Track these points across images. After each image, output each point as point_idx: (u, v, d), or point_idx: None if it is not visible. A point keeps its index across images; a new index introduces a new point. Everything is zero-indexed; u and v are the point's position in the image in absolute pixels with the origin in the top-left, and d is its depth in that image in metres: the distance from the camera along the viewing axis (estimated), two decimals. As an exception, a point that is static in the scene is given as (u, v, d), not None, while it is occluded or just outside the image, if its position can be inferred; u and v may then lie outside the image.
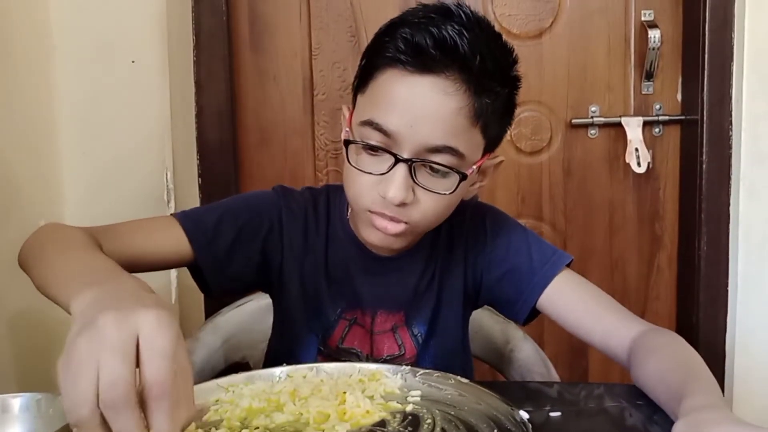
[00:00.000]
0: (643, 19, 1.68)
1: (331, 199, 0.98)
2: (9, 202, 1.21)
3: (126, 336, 0.50)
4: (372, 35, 0.86)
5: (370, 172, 0.82)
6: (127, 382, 0.48)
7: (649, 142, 1.72)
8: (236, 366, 1.11)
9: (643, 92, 1.71)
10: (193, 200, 1.58)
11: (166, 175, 1.43)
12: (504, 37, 0.85)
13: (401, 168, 0.80)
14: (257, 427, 0.70)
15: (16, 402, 0.69)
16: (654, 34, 1.64)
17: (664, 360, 0.80)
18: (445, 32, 0.78)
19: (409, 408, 0.75)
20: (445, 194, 0.83)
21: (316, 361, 0.95)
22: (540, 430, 0.72)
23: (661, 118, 1.71)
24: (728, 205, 1.63)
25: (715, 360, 1.64)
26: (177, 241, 0.89)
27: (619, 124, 1.70)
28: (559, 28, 1.69)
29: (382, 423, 0.72)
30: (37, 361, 1.26)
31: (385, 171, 0.81)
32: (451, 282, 0.97)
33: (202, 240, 0.89)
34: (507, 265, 0.95)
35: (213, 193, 1.60)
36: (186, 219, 0.91)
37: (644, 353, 0.83)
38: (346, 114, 0.88)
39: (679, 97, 1.72)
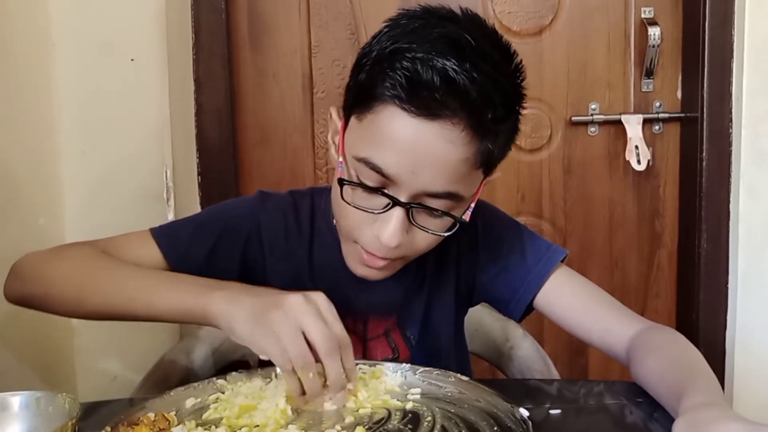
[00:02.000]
0: (643, 16, 1.68)
1: (315, 203, 0.94)
2: (8, 201, 1.21)
3: (315, 308, 0.71)
4: (371, 34, 0.80)
5: (367, 209, 0.78)
6: (334, 336, 0.71)
7: (649, 140, 1.72)
8: (236, 364, 1.11)
9: (643, 90, 1.71)
10: (192, 199, 1.58)
11: (166, 173, 1.43)
12: (512, 48, 0.80)
13: (398, 211, 0.76)
14: (257, 425, 0.71)
15: (16, 400, 0.69)
16: (654, 32, 1.64)
17: (664, 358, 0.80)
18: (454, 74, 0.71)
19: (409, 405, 0.75)
20: (441, 234, 0.79)
21: None
22: (540, 427, 0.72)
23: (661, 115, 1.71)
24: (728, 202, 1.63)
25: (715, 358, 1.64)
26: (152, 257, 0.88)
27: (619, 122, 1.70)
28: (559, 26, 1.69)
29: (383, 420, 0.72)
30: (36, 360, 1.26)
31: (380, 210, 0.77)
32: (443, 282, 0.95)
33: (175, 255, 0.88)
34: (501, 263, 0.93)
35: (213, 192, 1.60)
36: (161, 235, 0.89)
37: (644, 351, 0.83)
38: (335, 119, 0.83)
39: (679, 94, 1.72)
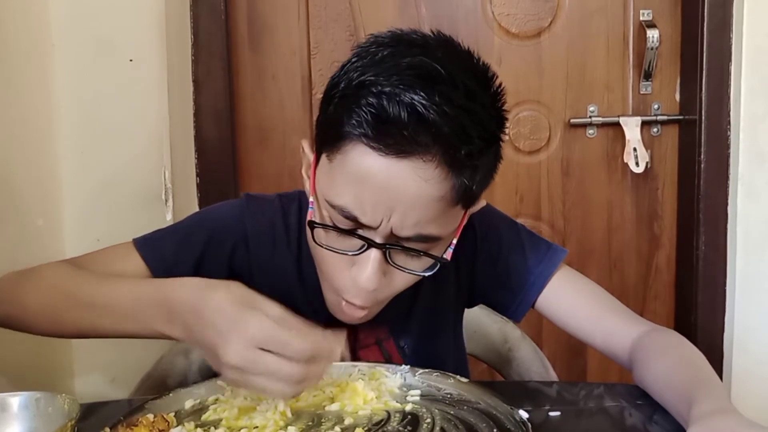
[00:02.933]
0: (641, 18, 1.68)
1: (303, 208, 0.89)
2: (6, 202, 1.21)
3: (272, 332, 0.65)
4: (370, 34, 0.77)
5: (341, 252, 0.74)
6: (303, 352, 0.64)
7: (648, 142, 1.72)
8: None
9: (641, 92, 1.71)
10: (191, 199, 1.58)
11: (164, 173, 1.42)
12: (489, 65, 0.74)
13: (374, 253, 0.72)
14: (256, 426, 0.70)
15: (15, 401, 0.69)
16: (652, 34, 1.64)
17: (669, 362, 0.79)
18: (423, 108, 0.66)
19: (408, 407, 0.75)
20: (421, 274, 0.76)
21: None
22: (539, 429, 0.72)
23: (659, 118, 1.71)
24: (726, 204, 1.64)
25: (713, 359, 1.63)
26: (137, 270, 0.84)
27: (618, 124, 1.70)
28: (557, 28, 1.69)
29: (382, 422, 0.72)
30: (35, 361, 1.26)
31: (356, 252, 0.73)
32: (440, 290, 0.92)
33: (161, 268, 0.84)
34: (500, 267, 0.91)
35: (211, 192, 1.59)
36: (145, 247, 0.86)
37: (648, 355, 0.82)
38: (308, 152, 0.79)
39: (677, 97, 1.72)
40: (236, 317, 0.64)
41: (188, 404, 0.75)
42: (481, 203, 0.81)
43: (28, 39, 1.29)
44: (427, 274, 0.76)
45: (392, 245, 0.73)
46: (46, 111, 1.33)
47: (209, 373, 1.06)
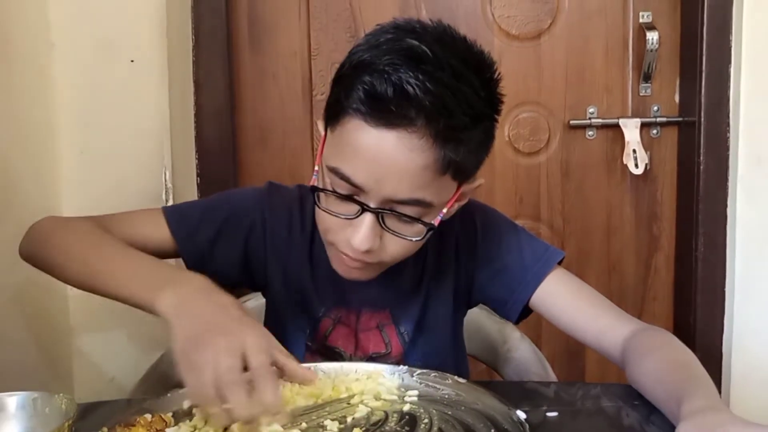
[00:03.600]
0: (641, 20, 1.68)
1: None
2: (7, 201, 1.21)
3: (235, 346, 0.68)
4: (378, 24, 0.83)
5: (339, 215, 0.81)
6: (239, 369, 0.67)
7: (647, 144, 1.72)
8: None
9: (640, 94, 1.71)
10: (191, 199, 1.57)
11: (165, 174, 1.43)
12: (487, 53, 0.81)
13: (368, 217, 0.79)
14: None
15: (13, 401, 0.69)
16: (652, 36, 1.64)
17: (659, 360, 0.81)
18: (408, 85, 0.73)
19: (406, 407, 0.75)
20: (413, 240, 0.81)
21: (304, 356, 0.96)
22: (537, 430, 0.72)
23: (658, 119, 1.71)
24: (725, 206, 1.64)
25: (712, 361, 1.64)
26: (161, 234, 0.92)
27: (617, 126, 1.70)
28: (557, 30, 1.70)
29: (380, 422, 0.72)
30: (33, 360, 1.26)
31: (353, 216, 0.80)
32: (441, 282, 0.96)
33: (183, 234, 0.93)
34: (499, 264, 0.95)
35: (211, 193, 1.58)
36: (171, 212, 0.94)
37: (639, 353, 0.83)
38: (321, 130, 0.86)
39: (676, 98, 1.72)
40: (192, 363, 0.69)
41: (186, 404, 0.75)
42: (478, 181, 0.86)
43: (28, 40, 1.30)
44: (417, 239, 0.82)
45: (385, 210, 0.79)
46: (46, 111, 1.34)
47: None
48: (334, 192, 0.80)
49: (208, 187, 1.60)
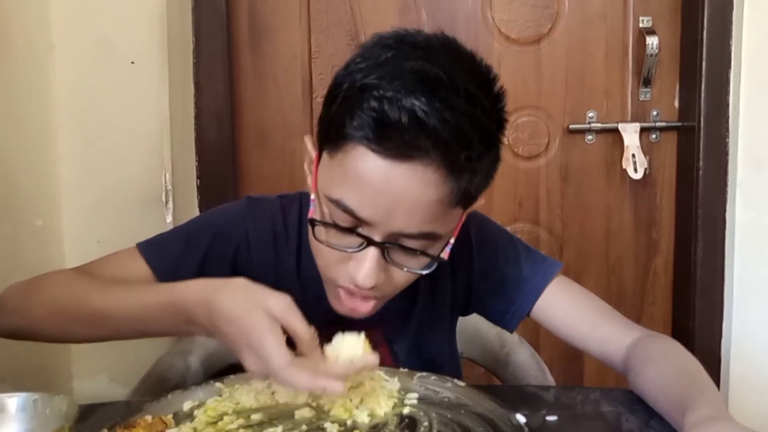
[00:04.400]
0: (641, 25, 1.69)
1: (304, 209, 0.89)
2: (6, 202, 1.21)
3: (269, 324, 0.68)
4: (375, 33, 0.77)
5: (340, 249, 0.75)
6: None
7: (646, 148, 1.72)
8: (233, 367, 1.11)
9: (640, 98, 1.72)
10: (191, 201, 1.58)
11: (165, 175, 1.43)
12: (491, 67, 0.75)
13: (372, 251, 0.73)
14: (263, 422, 0.71)
15: (13, 402, 0.69)
16: (652, 41, 1.65)
17: (663, 368, 0.80)
18: (423, 114, 0.67)
19: (405, 411, 0.75)
20: (419, 272, 0.77)
21: None
22: (536, 433, 0.72)
23: (658, 124, 1.72)
24: (725, 211, 1.64)
25: (711, 366, 1.64)
26: (142, 274, 0.85)
27: (617, 130, 1.71)
28: (557, 34, 1.70)
29: (379, 425, 0.72)
30: (33, 362, 1.26)
31: (355, 249, 0.74)
32: (437, 298, 0.93)
33: (165, 271, 0.85)
34: (496, 276, 0.92)
35: (211, 194, 1.60)
36: (149, 250, 0.87)
37: (643, 361, 0.82)
38: (310, 149, 0.79)
39: (676, 103, 1.72)
40: (242, 328, 0.68)
41: (186, 406, 0.75)
42: (479, 202, 0.81)
43: (29, 41, 1.30)
44: (425, 272, 0.77)
45: (391, 243, 0.74)
46: (46, 112, 1.34)
47: (207, 375, 1.07)
48: (334, 225, 0.74)
49: (207, 189, 1.60)
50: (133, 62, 1.38)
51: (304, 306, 0.85)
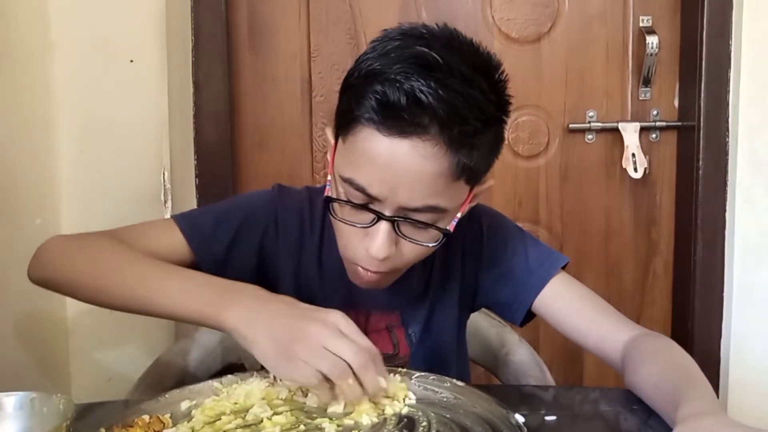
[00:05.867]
0: (641, 25, 1.69)
1: None
2: (5, 200, 1.21)
3: (336, 330, 0.72)
4: (371, 39, 0.82)
5: (355, 224, 0.81)
6: (363, 350, 0.72)
7: (646, 148, 1.72)
8: (231, 367, 1.11)
9: (640, 98, 1.72)
10: (189, 200, 1.58)
11: (164, 174, 1.43)
12: (493, 54, 0.80)
13: (384, 225, 0.79)
14: (261, 421, 0.71)
15: (10, 400, 0.69)
16: (652, 40, 1.65)
17: (658, 365, 0.81)
18: (420, 93, 0.73)
19: (404, 410, 0.75)
20: (428, 245, 0.82)
21: None
22: (535, 433, 0.72)
23: (658, 123, 1.72)
24: (724, 211, 1.64)
25: (710, 366, 1.64)
26: (177, 244, 0.91)
27: (616, 130, 1.70)
28: (557, 33, 1.70)
29: (378, 425, 0.72)
30: (31, 360, 1.26)
31: (368, 224, 0.80)
32: (447, 284, 0.97)
33: (200, 242, 0.91)
34: (504, 267, 0.96)
35: (210, 194, 1.59)
36: (184, 222, 0.92)
37: (638, 358, 0.83)
38: (330, 139, 0.85)
39: (676, 103, 1.72)
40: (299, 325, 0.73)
41: (184, 405, 0.75)
42: (488, 182, 0.85)
43: (28, 39, 1.30)
44: (432, 245, 0.82)
45: (400, 218, 0.79)
46: (45, 111, 1.34)
47: (206, 375, 1.07)
48: (348, 202, 0.80)
49: (206, 188, 1.60)
50: (132, 61, 1.38)
51: (324, 290, 0.95)
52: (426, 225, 0.80)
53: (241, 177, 1.69)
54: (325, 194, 0.83)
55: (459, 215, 0.82)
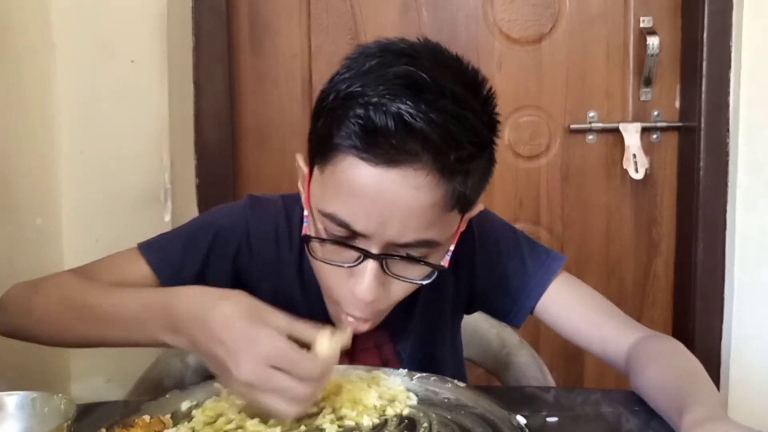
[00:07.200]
0: (642, 25, 1.69)
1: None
2: (6, 201, 1.21)
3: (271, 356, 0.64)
4: (371, 39, 0.77)
5: (337, 264, 0.74)
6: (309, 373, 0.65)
7: (647, 149, 1.72)
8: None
9: (641, 99, 1.71)
10: (190, 201, 1.58)
11: (164, 175, 1.42)
12: (478, 70, 0.74)
13: (371, 264, 0.72)
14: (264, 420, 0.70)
15: (12, 400, 0.69)
16: (653, 41, 1.64)
17: (663, 368, 0.79)
18: (410, 117, 0.66)
19: (405, 411, 0.75)
20: (420, 282, 0.76)
21: None
22: (536, 434, 0.72)
23: (659, 124, 1.71)
24: (725, 212, 1.64)
25: (711, 367, 1.64)
26: (143, 275, 0.84)
27: (617, 130, 1.70)
28: (558, 34, 1.70)
29: (379, 426, 0.72)
30: (32, 361, 1.26)
31: (352, 263, 0.73)
32: (438, 295, 0.92)
33: (167, 272, 0.85)
34: (499, 270, 0.91)
35: (210, 194, 1.59)
36: (150, 251, 0.86)
37: (643, 361, 0.82)
38: (302, 166, 0.78)
39: (677, 104, 1.72)
40: (246, 334, 0.65)
41: (184, 406, 0.75)
42: (478, 207, 0.80)
43: (29, 40, 1.30)
44: (425, 282, 0.76)
45: (388, 255, 0.72)
46: (46, 111, 1.34)
47: (205, 375, 1.07)
48: (329, 240, 0.73)
49: (206, 188, 1.60)
50: (133, 61, 1.38)
51: (306, 304, 0.87)
52: (417, 261, 0.73)
53: (241, 177, 1.69)
54: (303, 232, 0.76)
55: (452, 248, 0.77)
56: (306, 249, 0.76)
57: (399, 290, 0.76)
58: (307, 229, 0.76)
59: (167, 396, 0.76)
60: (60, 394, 0.69)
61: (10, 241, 1.20)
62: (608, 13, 1.69)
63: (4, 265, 1.12)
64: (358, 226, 0.70)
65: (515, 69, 1.69)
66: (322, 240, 0.73)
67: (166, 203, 1.43)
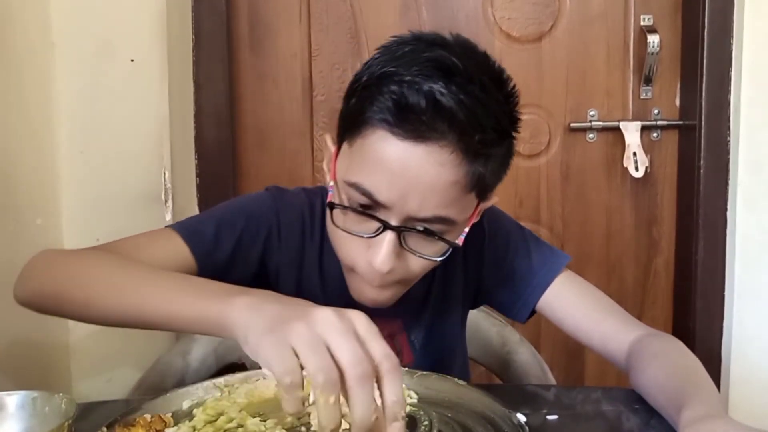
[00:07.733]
0: (642, 24, 1.68)
1: (326, 202, 0.90)
2: (6, 200, 1.21)
3: (349, 325, 0.56)
4: (371, 38, 0.80)
5: (357, 234, 0.77)
6: (368, 359, 0.55)
7: (647, 147, 1.72)
8: (232, 367, 1.11)
9: (641, 97, 1.71)
10: (190, 200, 1.58)
11: (164, 174, 1.42)
12: (504, 69, 0.78)
13: (389, 235, 0.75)
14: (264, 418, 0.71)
15: (12, 400, 0.69)
16: (653, 39, 1.64)
17: (663, 367, 0.80)
18: (441, 96, 0.70)
19: (406, 409, 0.75)
20: (434, 259, 0.78)
21: None
22: (537, 433, 0.72)
23: (659, 123, 1.71)
24: (725, 210, 1.64)
25: (711, 366, 1.64)
26: (177, 254, 0.85)
27: (618, 129, 1.70)
28: (558, 32, 1.70)
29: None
30: (32, 360, 1.26)
31: (372, 234, 0.76)
32: (450, 286, 0.96)
33: (202, 250, 0.86)
34: (506, 266, 0.94)
35: (211, 194, 1.59)
36: (184, 230, 0.87)
37: (643, 359, 0.82)
38: (330, 146, 0.82)
39: (677, 102, 1.72)
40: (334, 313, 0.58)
41: (185, 405, 0.75)
42: (493, 199, 0.83)
43: (29, 39, 1.29)
44: (440, 259, 0.78)
45: (407, 228, 0.75)
46: (46, 111, 1.33)
47: (206, 375, 1.07)
48: (352, 208, 0.76)
49: (207, 188, 1.60)
50: (132, 60, 1.38)
51: (326, 298, 0.90)
52: (433, 237, 0.76)
53: (241, 176, 1.69)
54: (328, 199, 0.79)
55: (467, 229, 0.80)
56: (329, 217, 0.79)
57: (415, 265, 0.79)
58: (332, 197, 0.79)
59: (168, 395, 0.76)
60: (61, 394, 0.69)
61: (10, 241, 1.20)
62: (608, 12, 1.69)
63: (4, 265, 1.12)
64: (381, 196, 0.73)
65: (515, 68, 1.67)
66: (344, 208, 0.76)
67: (167, 202, 1.43)
